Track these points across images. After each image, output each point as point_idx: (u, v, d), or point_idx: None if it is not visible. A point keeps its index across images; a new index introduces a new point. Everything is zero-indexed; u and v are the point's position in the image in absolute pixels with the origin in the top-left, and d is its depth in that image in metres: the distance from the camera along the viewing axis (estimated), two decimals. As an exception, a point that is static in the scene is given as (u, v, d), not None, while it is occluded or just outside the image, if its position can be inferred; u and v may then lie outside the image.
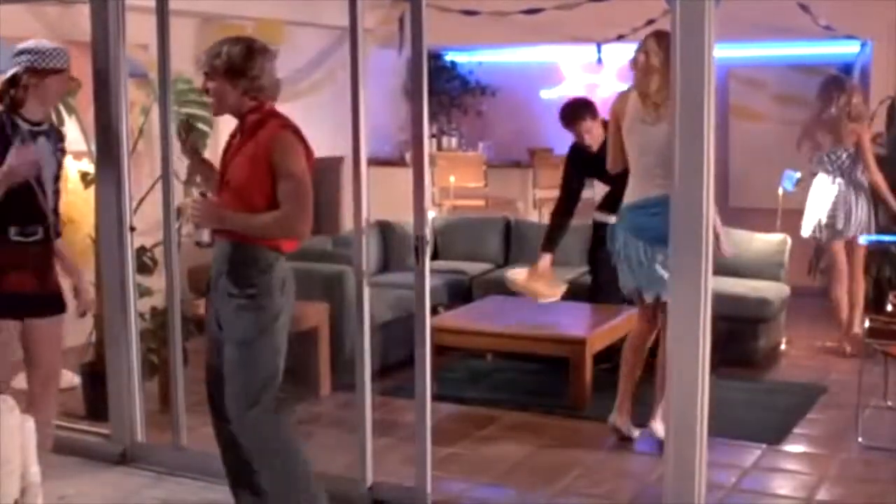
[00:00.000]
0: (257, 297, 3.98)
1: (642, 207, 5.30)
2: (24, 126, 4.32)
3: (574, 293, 7.19)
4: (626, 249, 5.45)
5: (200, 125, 6.92)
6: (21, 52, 4.33)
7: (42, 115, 4.42)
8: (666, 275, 4.87)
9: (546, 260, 6.84)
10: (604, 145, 6.60)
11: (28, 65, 4.29)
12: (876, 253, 8.07)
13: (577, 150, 6.83)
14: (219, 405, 4.13)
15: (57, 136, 4.52)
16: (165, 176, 5.09)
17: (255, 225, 3.95)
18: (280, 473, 4.08)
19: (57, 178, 4.46)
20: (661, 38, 5.06)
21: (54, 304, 4.49)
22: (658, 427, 5.41)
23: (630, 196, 5.43)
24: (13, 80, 4.33)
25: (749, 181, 9.51)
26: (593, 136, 6.69)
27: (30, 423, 3.80)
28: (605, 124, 6.63)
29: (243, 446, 4.09)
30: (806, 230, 7.56)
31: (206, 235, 4.02)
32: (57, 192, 4.47)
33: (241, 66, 3.96)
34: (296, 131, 4.01)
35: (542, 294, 6.67)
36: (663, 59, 4.97)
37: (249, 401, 4.02)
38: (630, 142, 5.43)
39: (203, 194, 4.09)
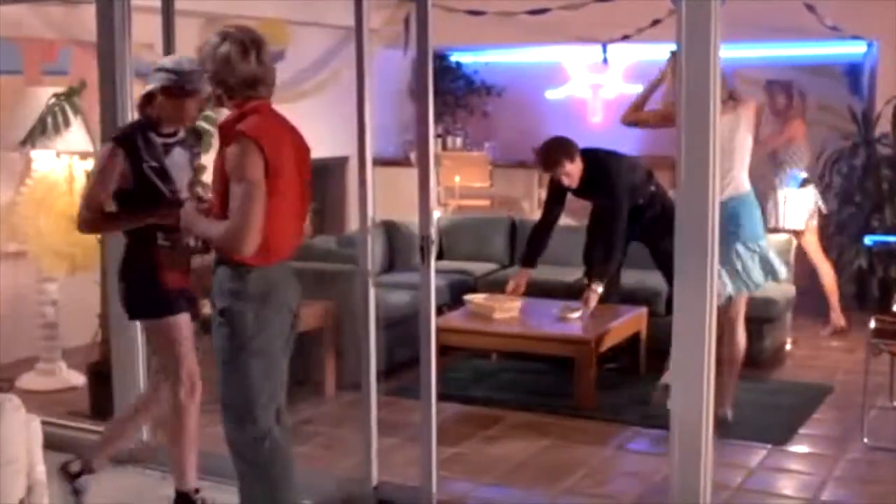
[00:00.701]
0: (228, 312, 3.86)
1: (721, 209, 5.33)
2: (158, 140, 4.31)
3: (575, 295, 7.19)
4: None
5: (205, 125, 6.95)
6: (160, 69, 4.28)
7: (174, 127, 4.40)
8: (740, 268, 5.60)
9: (524, 275, 6.94)
10: (584, 178, 6.65)
11: (164, 83, 4.25)
12: (882, 253, 8.09)
13: (558, 182, 6.86)
14: None
15: (191, 142, 4.54)
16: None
17: (210, 234, 3.86)
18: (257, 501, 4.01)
19: (192, 185, 4.43)
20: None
21: (194, 306, 4.52)
22: (728, 412, 5.71)
23: None
24: (149, 98, 4.30)
25: (754, 181, 9.48)
26: (572, 178, 6.69)
27: (35, 422, 3.81)
28: (583, 157, 6.69)
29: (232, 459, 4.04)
30: (801, 221, 7.73)
31: (191, 240, 4.04)
32: (198, 199, 4.38)
33: (206, 63, 3.85)
34: (259, 136, 3.70)
35: (498, 309, 6.67)
36: None
37: (235, 417, 3.93)
38: None
39: (200, 198, 4.11)
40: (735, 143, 5.65)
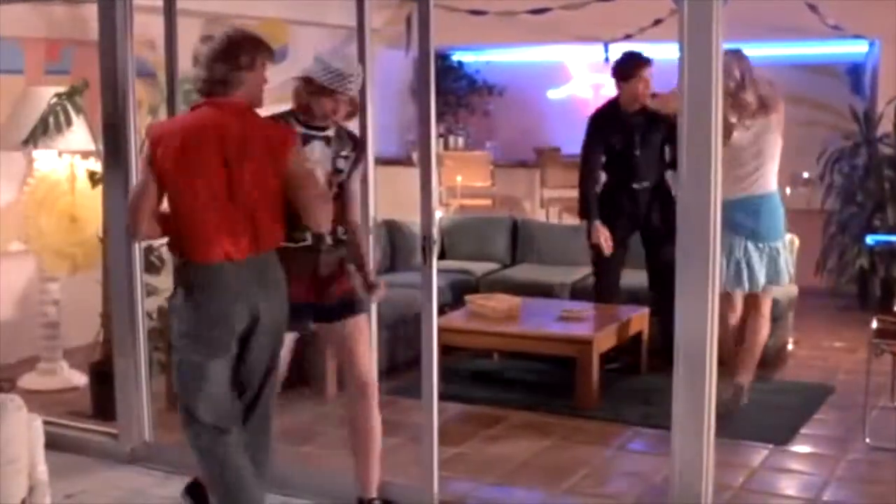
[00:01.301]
0: (169, 306, 3.97)
1: (742, 205, 5.72)
2: (300, 129, 4.22)
3: (580, 294, 7.20)
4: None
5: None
6: (315, 59, 4.28)
7: (321, 121, 4.30)
8: (743, 265, 5.81)
9: (597, 226, 6.68)
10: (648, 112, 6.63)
11: (307, 75, 4.24)
12: (883, 252, 8.08)
13: (610, 112, 6.73)
14: None
15: (343, 143, 4.35)
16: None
17: None
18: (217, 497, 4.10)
19: (330, 181, 4.25)
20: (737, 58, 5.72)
21: (336, 311, 4.38)
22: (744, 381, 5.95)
23: (726, 194, 5.71)
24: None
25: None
26: (648, 88, 6.59)
27: (37, 421, 3.80)
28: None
29: None
30: None
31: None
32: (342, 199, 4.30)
33: None
34: (148, 132, 3.98)
35: (499, 309, 6.66)
36: (741, 77, 5.66)
37: (182, 414, 4.00)
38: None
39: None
40: (764, 144, 5.83)
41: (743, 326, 6.02)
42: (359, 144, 4.44)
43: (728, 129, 5.56)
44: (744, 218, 5.74)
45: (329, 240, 4.28)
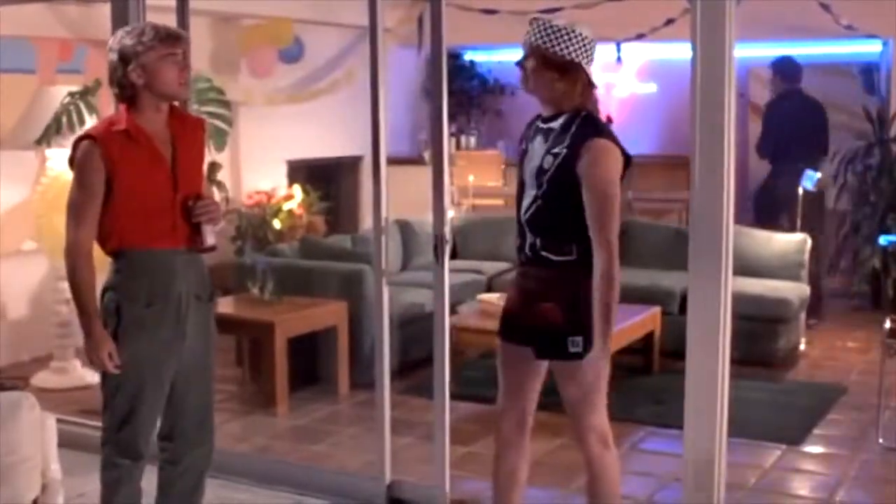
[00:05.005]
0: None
1: None
2: (536, 122, 3.89)
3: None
4: None
5: (220, 123, 6.98)
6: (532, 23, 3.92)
7: (553, 108, 3.82)
8: None
9: None
10: None
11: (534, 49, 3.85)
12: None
13: None
14: None
15: (565, 136, 3.71)
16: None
17: None
18: None
19: (550, 184, 3.65)
20: None
21: (548, 343, 3.81)
22: None
23: None
24: None
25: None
26: None
27: (50, 420, 3.81)
28: None
29: None
30: None
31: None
32: (544, 201, 3.67)
33: None
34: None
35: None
36: None
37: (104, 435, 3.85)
38: None
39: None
40: None
41: None
42: (577, 137, 3.65)
43: None
44: None
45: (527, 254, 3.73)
